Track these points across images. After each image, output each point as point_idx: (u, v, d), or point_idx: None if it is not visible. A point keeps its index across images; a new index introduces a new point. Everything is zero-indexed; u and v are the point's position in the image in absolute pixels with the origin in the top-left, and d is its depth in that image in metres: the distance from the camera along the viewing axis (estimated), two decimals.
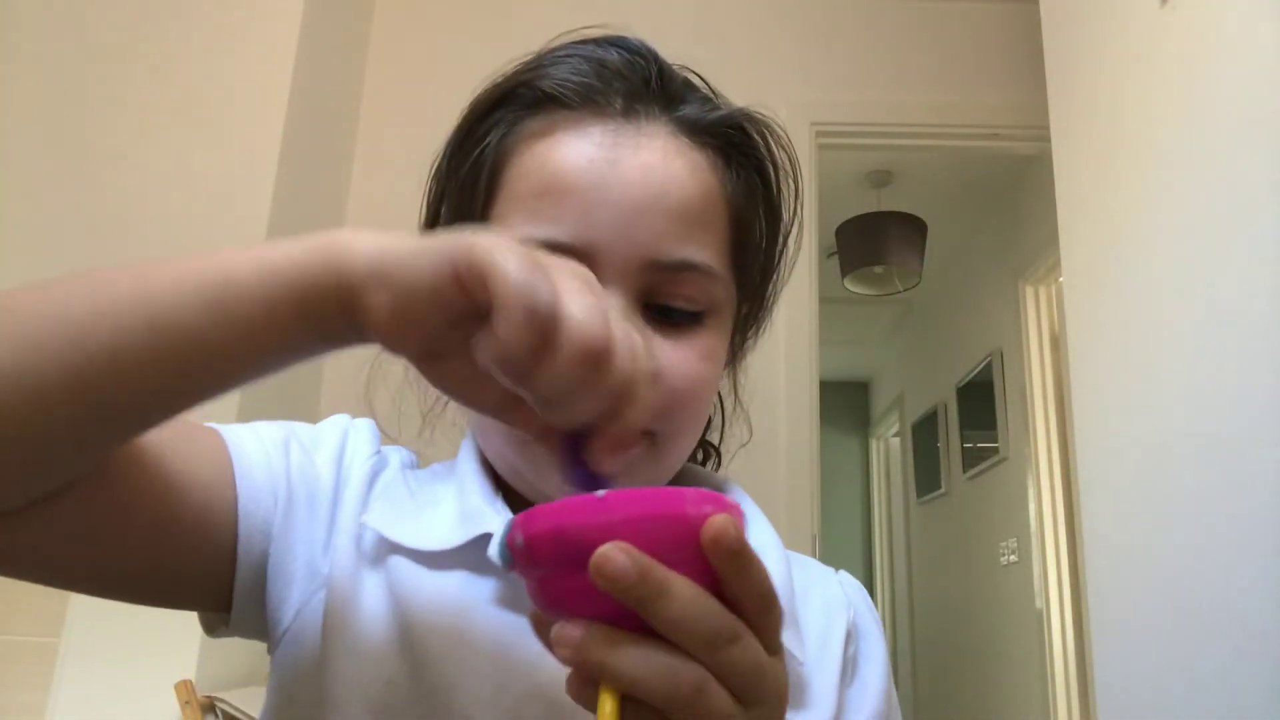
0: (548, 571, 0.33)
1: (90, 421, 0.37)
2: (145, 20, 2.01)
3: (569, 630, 0.32)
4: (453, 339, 0.37)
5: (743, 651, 0.32)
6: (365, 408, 0.60)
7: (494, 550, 0.35)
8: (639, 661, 0.31)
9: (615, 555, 0.30)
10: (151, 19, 2.01)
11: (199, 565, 0.47)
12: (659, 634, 0.31)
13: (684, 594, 0.31)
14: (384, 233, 0.37)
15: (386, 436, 0.59)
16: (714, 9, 2.53)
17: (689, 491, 0.32)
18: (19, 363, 0.35)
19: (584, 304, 0.34)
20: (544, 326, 0.33)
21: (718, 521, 0.31)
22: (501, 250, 0.34)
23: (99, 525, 0.42)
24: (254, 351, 0.38)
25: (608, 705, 0.31)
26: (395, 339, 0.37)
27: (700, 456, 0.67)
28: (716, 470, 0.67)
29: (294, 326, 0.37)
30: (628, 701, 0.31)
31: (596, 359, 0.34)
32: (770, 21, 2.55)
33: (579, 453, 0.37)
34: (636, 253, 0.49)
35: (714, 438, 0.67)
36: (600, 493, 0.32)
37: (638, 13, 2.90)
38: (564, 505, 0.32)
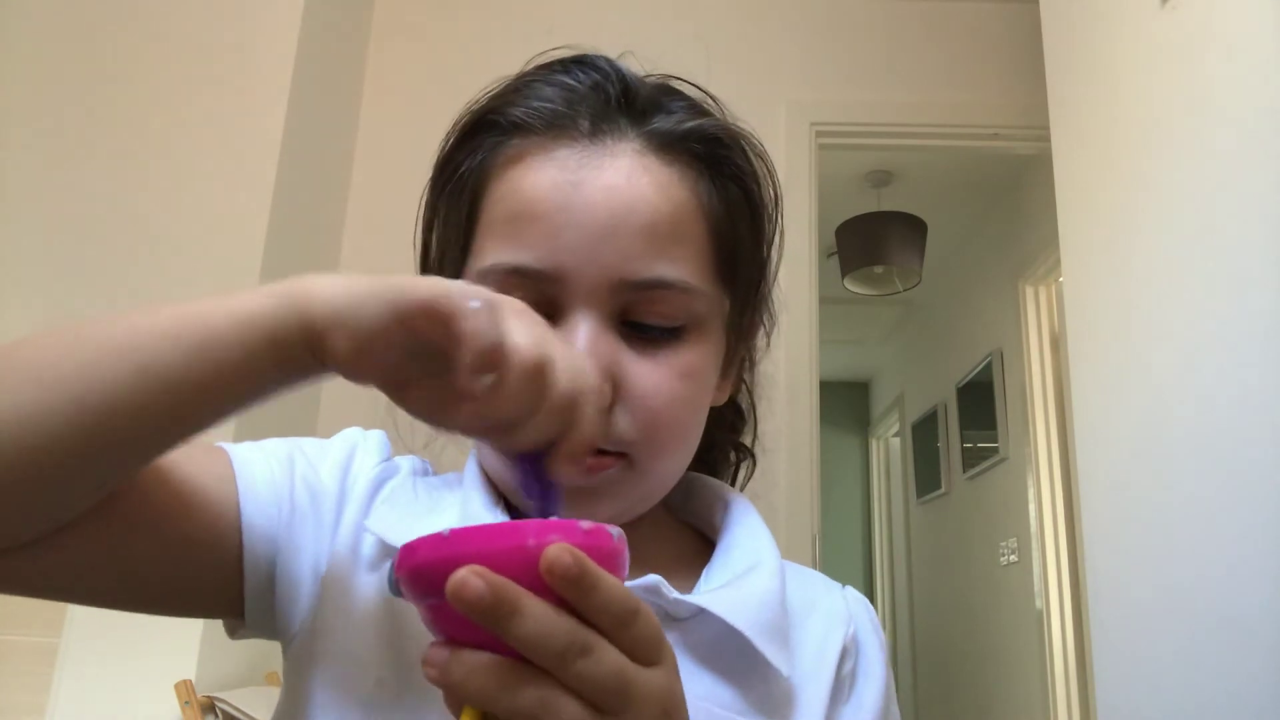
0: (421, 602, 0.36)
1: (92, 464, 0.39)
2: (145, 23, 2.01)
3: (435, 654, 0.34)
4: (412, 368, 0.40)
5: (596, 664, 0.33)
6: (366, 421, 0.61)
7: (389, 584, 0.38)
8: (484, 679, 0.33)
9: (470, 579, 0.32)
10: (151, 22, 2.01)
11: (208, 578, 0.48)
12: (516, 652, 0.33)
13: (534, 612, 0.33)
14: (344, 277, 0.41)
15: (403, 446, 0.60)
16: (714, 9, 2.53)
17: (533, 523, 0.34)
18: (22, 417, 0.37)
19: (525, 331, 0.39)
20: (498, 353, 0.37)
21: (550, 553, 0.33)
22: (442, 284, 0.39)
23: (108, 547, 0.44)
24: (234, 392, 0.41)
25: None
26: (357, 374, 0.40)
27: (735, 459, 0.67)
28: (751, 472, 0.68)
29: (269, 368, 0.40)
30: (488, 718, 0.34)
31: (538, 375, 0.38)
32: (770, 21, 2.55)
33: (537, 470, 0.41)
34: (605, 274, 0.49)
35: (746, 440, 0.67)
36: (446, 530, 0.35)
37: (638, 14, 2.90)
38: (423, 543, 0.35)
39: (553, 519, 0.35)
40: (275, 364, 0.40)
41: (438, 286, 0.38)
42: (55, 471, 0.39)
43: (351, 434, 0.57)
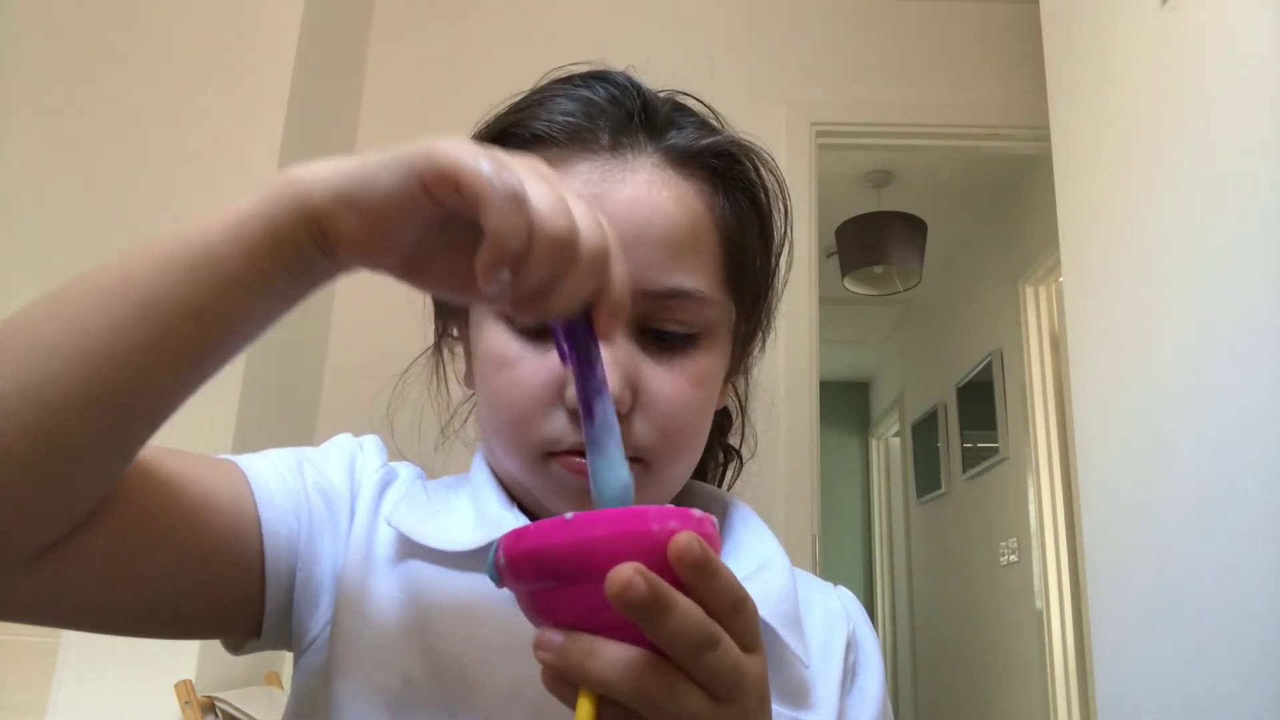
0: (530, 586, 0.36)
1: (111, 423, 0.38)
2: (145, 23, 2.01)
3: (550, 637, 0.35)
4: (428, 245, 0.39)
5: (722, 655, 0.34)
6: (364, 428, 0.62)
7: (486, 569, 0.37)
8: (611, 666, 0.33)
9: (635, 579, 0.32)
10: (151, 22, 2.01)
11: (227, 591, 0.48)
12: (630, 637, 0.34)
13: (681, 608, 0.33)
14: (329, 160, 0.39)
15: (398, 453, 0.61)
16: (715, 9, 2.53)
17: (652, 509, 0.35)
18: (28, 380, 0.36)
19: (544, 195, 0.36)
20: (525, 210, 0.35)
21: (681, 540, 0.33)
22: (465, 151, 0.36)
23: (126, 562, 0.43)
24: (243, 307, 0.39)
25: (585, 706, 0.34)
26: (372, 256, 0.39)
27: (722, 459, 0.69)
28: (738, 473, 0.69)
29: (275, 271, 0.38)
30: (604, 702, 0.34)
31: (567, 244, 0.36)
32: (771, 22, 2.55)
33: (574, 335, 0.39)
34: None
35: (733, 442, 0.69)
36: (569, 515, 0.35)
37: (638, 14, 2.89)
38: (539, 527, 0.35)
39: (668, 506, 0.35)
40: (281, 265, 0.38)
41: (457, 151, 0.35)
42: (72, 439, 0.37)
43: (347, 439, 0.58)
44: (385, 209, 0.37)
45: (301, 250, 0.38)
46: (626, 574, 0.32)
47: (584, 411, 0.40)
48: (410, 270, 0.40)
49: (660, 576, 0.33)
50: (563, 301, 0.37)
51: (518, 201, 0.35)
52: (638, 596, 0.32)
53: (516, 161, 0.37)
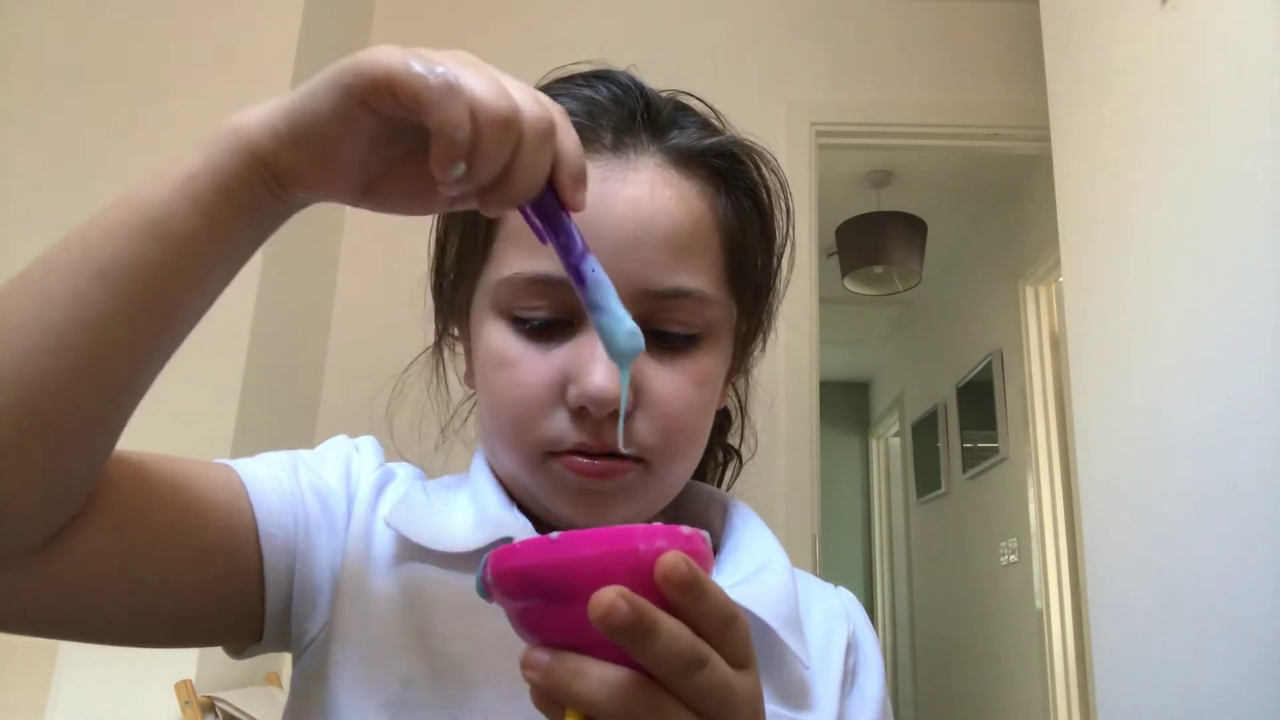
0: (518, 604, 0.36)
1: (86, 391, 0.38)
2: (144, 23, 2.01)
3: (537, 656, 0.34)
4: (374, 165, 0.39)
5: (710, 675, 0.34)
6: (364, 432, 0.62)
7: (475, 585, 0.37)
8: (597, 687, 0.33)
9: (619, 603, 0.31)
10: (150, 22, 2.01)
11: (226, 594, 0.48)
12: (619, 656, 0.33)
13: (667, 630, 0.33)
14: (271, 99, 0.39)
15: (396, 454, 0.61)
16: (716, 10, 2.54)
17: (639, 528, 0.34)
18: (2, 358, 0.36)
19: (479, 81, 0.36)
20: (465, 99, 0.35)
21: (667, 560, 0.33)
22: (391, 55, 0.36)
23: (124, 564, 0.43)
24: (203, 262, 0.39)
25: None
26: (324, 186, 0.39)
27: (722, 459, 0.69)
28: (737, 473, 0.69)
29: (230, 221, 0.39)
30: None
31: (512, 123, 0.36)
32: (771, 22, 2.55)
33: (544, 212, 0.40)
34: (628, 283, 0.50)
35: (733, 441, 0.69)
36: (554, 535, 0.34)
37: (639, 14, 2.88)
38: (526, 546, 0.35)
39: (656, 525, 0.35)
40: (235, 214, 0.39)
41: (383, 57, 0.36)
42: (54, 417, 0.37)
43: (342, 441, 0.57)
44: (326, 134, 0.37)
45: (254, 195, 0.39)
46: (609, 598, 0.31)
47: (575, 279, 0.40)
48: (365, 194, 0.40)
49: (649, 596, 0.32)
50: (522, 182, 0.37)
51: (456, 92, 0.35)
52: (620, 620, 0.31)
53: (444, 54, 0.37)
